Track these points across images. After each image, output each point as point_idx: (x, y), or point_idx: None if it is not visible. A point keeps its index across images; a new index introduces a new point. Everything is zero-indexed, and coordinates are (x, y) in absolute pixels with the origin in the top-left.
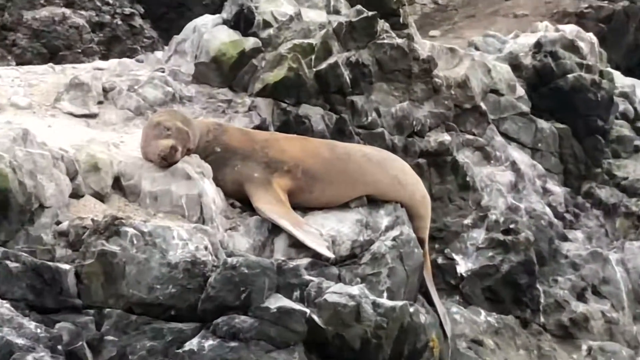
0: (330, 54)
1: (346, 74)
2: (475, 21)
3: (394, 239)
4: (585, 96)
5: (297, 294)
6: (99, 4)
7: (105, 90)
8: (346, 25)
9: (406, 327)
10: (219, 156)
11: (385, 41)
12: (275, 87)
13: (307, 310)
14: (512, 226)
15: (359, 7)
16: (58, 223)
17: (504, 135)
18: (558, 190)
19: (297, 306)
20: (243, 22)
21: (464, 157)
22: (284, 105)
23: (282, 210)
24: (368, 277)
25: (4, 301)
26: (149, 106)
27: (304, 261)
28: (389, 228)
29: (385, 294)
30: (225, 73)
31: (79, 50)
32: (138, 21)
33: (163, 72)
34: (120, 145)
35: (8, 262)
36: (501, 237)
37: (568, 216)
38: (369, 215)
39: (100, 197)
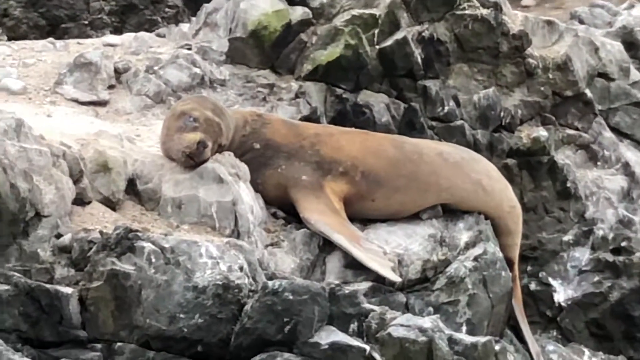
0: (397, 27)
1: (417, 53)
2: None
3: (475, 259)
4: None
5: (354, 326)
6: None
7: (117, 72)
8: None
9: None
10: (259, 154)
11: (467, 12)
12: (329, 68)
13: (367, 347)
14: (623, 244)
15: None
16: (58, 236)
17: (615, 130)
18: None
19: (355, 342)
20: None
21: (564, 157)
22: (339, 91)
23: (336, 222)
24: (443, 306)
25: None
26: (171, 91)
27: (363, 286)
28: (469, 245)
29: (464, 328)
30: (267, 51)
31: (86, 22)
32: None
33: (189, 49)
34: (136, 140)
35: None
36: (610, 257)
37: None
38: (444, 229)
39: (110, 204)
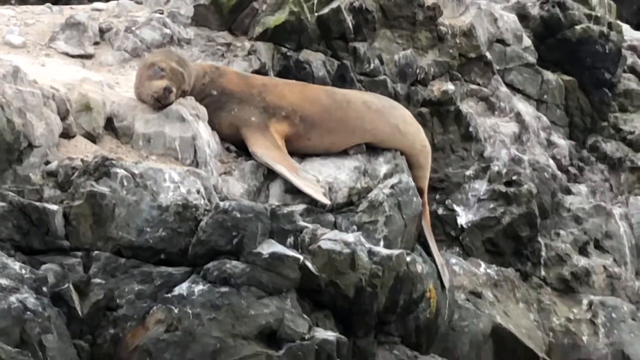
0: None
1: (349, 20)
2: None
3: (392, 187)
4: (593, 48)
5: (290, 240)
6: None
7: (102, 31)
8: None
9: (402, 276)
10: (215, 99)
11: None
12: (276, 31)
13: (301, 257)
14: (514, 178)
15: None
16: (47, 163)
17: (509, 86)
18: (563, 143)
19: (291, 252)
20: None
21: (468, 107)
22: (284, 50)
23: (278, 156)
24: (365, 225)
25: None
26: (146, 48)
27: (299, 207)
28: (387, 176)
29: (382, 243)
30: (225, 16)
31: None
32: None
33: (162, 13)
34: (115, 87)
35: None
36: (503, 188)
37: (572, 170)
38: (367, 163)
39: (91, 137)
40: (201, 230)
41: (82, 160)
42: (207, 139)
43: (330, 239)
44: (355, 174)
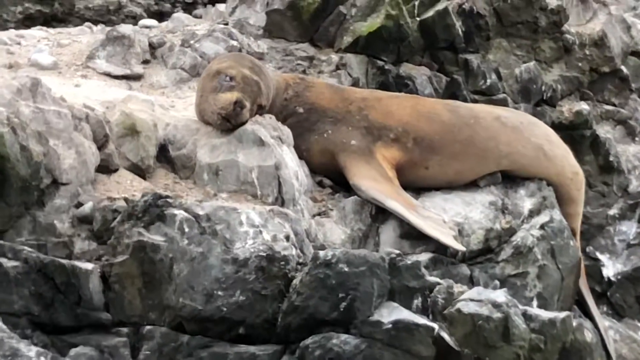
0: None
1: (458, 26)
2: None
3: (542, 227)
4: None
5: (417, 302)
6: None
7: (152, 47)
8: None
9: (569, 348)
10: (302, 119)
11: None
12: (370, 40)
13: (436, 326)
14: None
15: None
16: (79, 205)
17: None
18: None
19: (422, 320)
20: None
21: (604, 132)
22: (380, 63)
23: (389, 189)
24: (510, 279)
25: None
26: (208, 64)
27: (423, 257)
28: (533, 213)
29: (534, 303)
30: (305, 23)
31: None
32: None
33: (226, 24)
34: (171, 110)
35: (3, 260)
36: None
37: None
38: (504, 197)
39: (139, 171)
40: (295, 291)
41: (125, 199)
42: (295, 168)
43: (473, 300)
44: (492, 212)
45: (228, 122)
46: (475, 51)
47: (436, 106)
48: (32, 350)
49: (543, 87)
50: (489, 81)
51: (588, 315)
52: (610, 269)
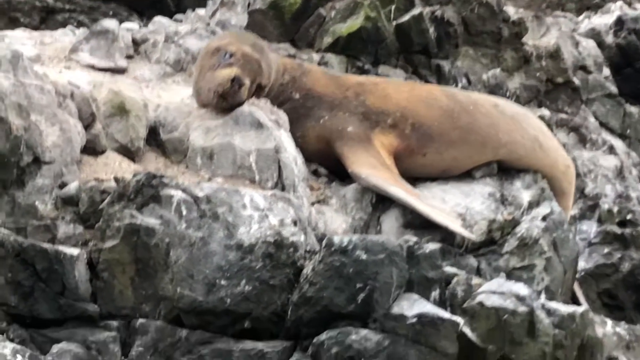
0: (412, 5)
1: (431, 31)
2: None
3: (544, 219)
4: None
5: (435, 294)
6: None
7: (135, 43)
8: None
9: (586, 344)
10: (298, 105)
11: None
12: (349, 40)
13: (460, 321)
14: (629, 217)
15: None
16: (63, 186)
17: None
18: None
19: (446, 314)
20: None
21: (560, 138)
22: (359, 63)
23: (389, 177)
24: (515, 271)
25: None
26: (191, 59)
27: (430, 247)
28: (533, 204)
29: (543, 296)
30: (287, 24)
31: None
32: None
33: (208, 25)
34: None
35: None
36: (617, 229)
37: None
38: (501, 188)
39: (128, 153)
40: (307, 281)
41: (115, 178)
42: (294, 153)
43: (495, 292)
44: (493, 202)
45: (225, 101)
46: (445, 57)
47: (434, 91)
48: (7, 347)
49: (508, 93)
50: (459, 85)
51: None
52: None
